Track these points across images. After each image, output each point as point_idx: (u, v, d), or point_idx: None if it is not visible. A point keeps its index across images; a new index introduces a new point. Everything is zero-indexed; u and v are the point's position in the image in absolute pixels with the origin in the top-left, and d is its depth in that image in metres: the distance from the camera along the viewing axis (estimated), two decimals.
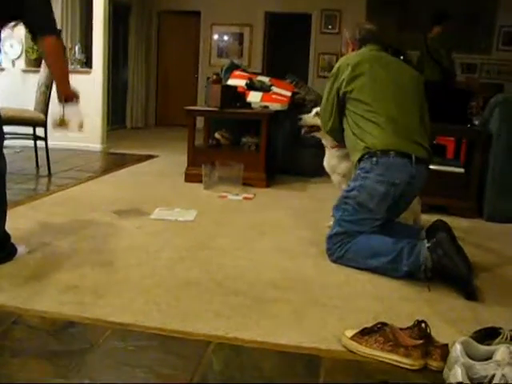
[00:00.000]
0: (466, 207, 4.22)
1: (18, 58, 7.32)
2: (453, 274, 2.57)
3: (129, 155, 6.73)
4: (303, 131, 3.69)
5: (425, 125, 3.16)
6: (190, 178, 5.02)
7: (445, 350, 1.86)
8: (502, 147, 4.08)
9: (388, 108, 3.03)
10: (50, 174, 5.15)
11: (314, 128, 3.58)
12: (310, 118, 3.60)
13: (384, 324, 1.97)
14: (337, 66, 3.19)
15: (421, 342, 1.88)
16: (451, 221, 3.73)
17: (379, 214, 2.93)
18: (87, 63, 7.41)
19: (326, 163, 3.62)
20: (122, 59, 10.63)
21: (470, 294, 2.53)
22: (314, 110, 3.61)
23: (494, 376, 1.64)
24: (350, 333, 1.99)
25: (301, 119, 3.66)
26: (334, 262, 2.95)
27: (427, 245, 2.66)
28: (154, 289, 2.44)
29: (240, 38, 10.96)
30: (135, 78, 10.74)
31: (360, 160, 3.01)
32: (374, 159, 2.93)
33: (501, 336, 1.95)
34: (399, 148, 2.94)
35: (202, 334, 2.02)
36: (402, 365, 1.85)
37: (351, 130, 3.08)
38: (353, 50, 3.35)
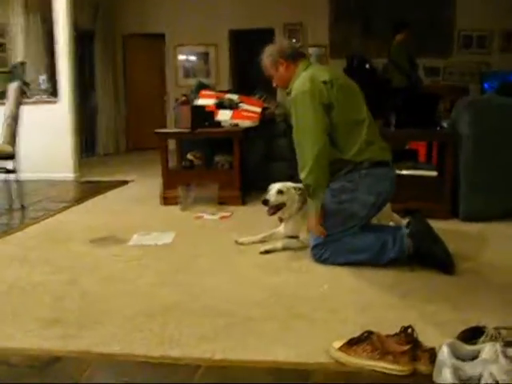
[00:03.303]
0: (441, 209, 4.26)
1: None
2: (430, 253, 2.91)
3: (103, 182, 6.66)
4: (270, 212, 3.54)
5: None
6: (166, 200, 5.00)
7: (432, 353, 1.87)
8: (472, 148, 4.12)
9: (363, 116, 3.15)
10: (23, 207, 5.08)
11: (280, 206, 3.50)
12: (275, 196, 3.47)
13: (370, 332, 1.97)
14: (304, 85, 3.09)
15: (408, 347, 1.88)
16: None
17: (366, 219, 3.16)
18: (54, 93, 7.36)
19: (288, 230, 3.57)
20: (89, 85, 10.56)
21: (449, 267, 2.88)
22: (274, 189, 3.50)
23: (482, 375, 1.65)
24: (337, 344, 1.99)
25: (267, 201, 3.48)
26: (323, 262, 3.11)
27: (407, 231, 2.95)
28: (137, 316, 2.41)
29: (206, 57, 10.99)
30: (104, 103, 10.67)
31: (347, 172, 3.10)
32: (363, 172, 3.07)
33: (485, 334, 1.96)
34: (381, 157, 3.12)
35: (190, 358, 2.00)
36: (391, 372, 1.86)
37: (334, 143, 3.11)
38: (287, 67, 3.26)
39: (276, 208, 3.51)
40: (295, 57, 3.28)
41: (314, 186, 3.10)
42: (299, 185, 3.43)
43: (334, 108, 3.07)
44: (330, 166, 3.12)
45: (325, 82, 3.07)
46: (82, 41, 10.02)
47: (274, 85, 3.44)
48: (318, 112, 3.04)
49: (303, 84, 3.11)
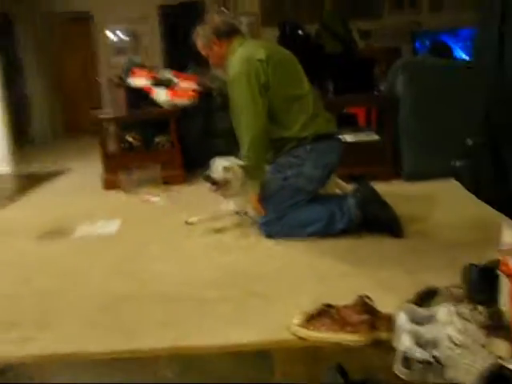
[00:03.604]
0: (384, 171, 4.33)
1: None
2: (378, 219, 2.96)
3: (41, 172, 6.43)
4: (213, 189, 3.38)
5: None
6: (109, 185, 4.89)
7: (390, 319, 1.89)
8: (409, 109, 4.20)
9: (304, 91, 3.13)
10: None
11: (224, 182, 3.36)
12: (221, 173, 3.34)
13: (328, 305, 1.99)
14: (241, 65, 3.04)
15: (366, 316, 1.90)
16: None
17: (313, 193, 3.14)
18: None
19: (235, 206, 3.49)
20: (16, 71, 10.17)
21: (398, 231, 2.94)
22: (221, 165, 3.36)
23: (439, 337, 1.69)
24: (296, 320, 1.99)
25: (209, 176, 3.35)
26: (273, 238, 3.10)
27: (353, 200, 2.97)
28: (92, 310, 2.36)
29: (136, 34, 10.75)
30: (34, 89, 10.32)
31: (291, 148, 3.08)
32: (308, 147, 3.05)
33: (439, 295, 2.01)
34: (326, 130, 3.11)
35: (151, 349, 1.97)
36: (352, 342, 1.87)
37: (276, 121, 3.08)
38: (221, 45, 3.20)
39: (221, 185, 3.46)
40: (229, 33, 3.21)
41: (252, 167, 3.13)
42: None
43: (272, 86, 3.04)
44: (274, 144, 3.11)
45: (261, 61, 3.02)
46: (2, 25, 9.62)
47: (211, 64, 3.39)
48: (255, 93, 3.00)
49: (239, 64, 3.06)
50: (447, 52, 4.98)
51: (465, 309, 1.82)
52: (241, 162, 3.36)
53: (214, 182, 3.41)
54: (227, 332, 2.04)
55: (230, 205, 3.58)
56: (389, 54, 8.14)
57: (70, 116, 11.09)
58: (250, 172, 3.18)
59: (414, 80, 4.17)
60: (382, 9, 10.06)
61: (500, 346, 1.68)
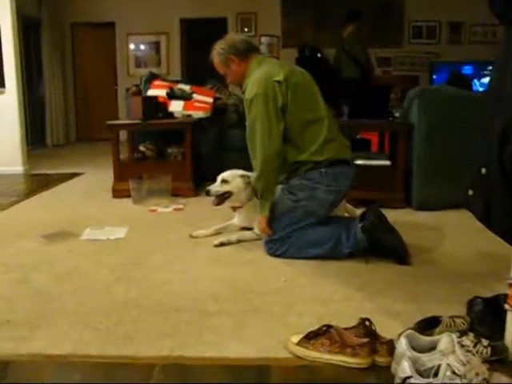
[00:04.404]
0: (394, 198, 4.30)
1: None
2: (385, 245, 2.93)
3: (53, 175, 6.50)
4: (215, 203, 3.50)
5: None
6: (118, 193, 4.90)
7: (391, 345, 1.87)
8: (424, 137, 4.18)
9: (321, 114, 3.10)
10: None
11: (225, 195, 3.47)
12: (218, 187, 3.47)
13: (329, 326, 1.96)
14: (259, 86, 3.00)
15: (367, 340, 1.88)
16: None
17: (324, 217, 3.10)
18: None
19: (241, 221, 3.59)
20: (37, 74, 10.30)
21: (404, 259, 2.92)
22: (219, 178, 3.49)
23: (439, 366, 1.66)
24: (295, 338, 1.97)
25: (209, 191, 3.47)
26: (277, 257, 3.07)
27: (360, 225, 2.93)
28: (92, 314, 2.34)
29: (157, 46, 10.84)
30: (52, 93, 10.42)
31: (306, 170, 3.06)
32: (323, 170, 3.02)
33: (442, 324, 1.98)
34: (341, 156, 3.09)
35: (147, 356, 1.96)
36: (350, 365, 1.85)
37: (291, 143, 3.06)
38: (239, 64, 3.17)
39: (222, 198, 3.47)
40: (248, 52, 3.18)
41: (262, 189, 3.11)
42: (247, 173, 3.42)
43: (289, 108, 3.01)
44: (288, 166, 3.10)
45: (279, 82, 2.99)
46: (28, 29, 9.75)
47: (228, 82, 3.37)
48: (272, 115, 2.98)
49: (257, 85, 3.01)
50: (465, 83, 4.97)
51: (469, 341, 1.79)
52: (245, 173, 3.38)
53: (213, 196, 3.43)
54: (225, 346, 2.02)
55: (236, 220, 3.59)
56: (406, 81, 8.17)
57: (85, 122, 11.18)
58: (259, 193, 3.17)
59: (429, 108, 4.15)
60: (401, 38, 10.13)
61: (503, 382, 1.65)
